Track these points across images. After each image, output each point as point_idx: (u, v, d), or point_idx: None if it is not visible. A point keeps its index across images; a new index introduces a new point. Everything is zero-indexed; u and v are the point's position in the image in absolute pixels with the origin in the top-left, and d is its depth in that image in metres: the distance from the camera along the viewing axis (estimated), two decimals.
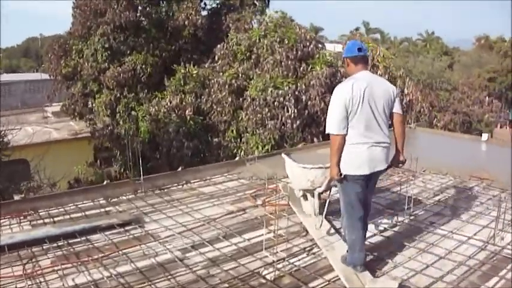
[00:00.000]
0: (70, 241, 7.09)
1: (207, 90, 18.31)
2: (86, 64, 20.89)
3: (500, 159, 12.16)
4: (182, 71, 18.86)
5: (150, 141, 18.74)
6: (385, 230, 7.41)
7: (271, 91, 16.17)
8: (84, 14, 21.06)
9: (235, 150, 17.10)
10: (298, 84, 16.49)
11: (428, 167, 10.56)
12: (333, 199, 7.48)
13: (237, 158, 13.55)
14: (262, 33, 18.32)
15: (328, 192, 7.28)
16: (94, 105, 21.06)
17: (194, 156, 17.65)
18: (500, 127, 37.57)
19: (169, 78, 19.33)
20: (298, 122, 15.93)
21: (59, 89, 23.57)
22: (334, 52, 19.80)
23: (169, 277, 5.99)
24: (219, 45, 19.17)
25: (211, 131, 18.06)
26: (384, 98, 5.84)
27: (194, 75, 18.72)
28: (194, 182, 10.35)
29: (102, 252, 6.72)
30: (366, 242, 6.45)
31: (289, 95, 16.08)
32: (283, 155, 7.98)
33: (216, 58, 19.13)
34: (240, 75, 17.58)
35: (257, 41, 18.19)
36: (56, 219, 8.22)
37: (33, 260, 6.54)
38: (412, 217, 7.91)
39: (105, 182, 9.89)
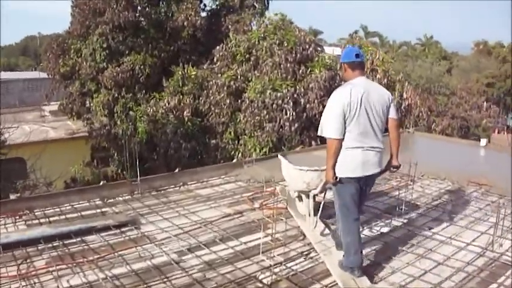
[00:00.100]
0: (65, 242, 7.04)
1: (205, 91, 18.26)
2: (84, 63, 20.83)
3: (498, 164, 12.16)
4: (180, 72, 18.79)
5: (147, 142, 18.69)
6: (383, 235, 7.36)
7: (269, 93, 16.13)
8: (83, 14, 20.99)
9: (232, 152, 17.06)
10: (297, 87, 16.45)
11: (426, 172, 10.52)
12: (327, 201, 7.43)
13: (234, 160, 13.47)
14: (262, 35, 18.28)
15: (323, 194, 7.25)
16: (92, 104, 21.01)
17: (192, 157, 17.61)
18: (498, 132, 37.64)
19: (167, 79, 19.27)
20: (296, 125, 15.90)
21: (57, 88, 23.50)
22: (333, 55, 19.75)
23: (165, 280, 5.93)
24: (218, 47, 19.12)
25: (209, 133, 18.01)
26: (380, 103, 5.96)
27: (193, 76, 18.66)
28: (191, 184, 10.31)
29: (98, 254, 6.66)
30: (363, 247, 6.40)
31: (288, 97, 16.03)
32: (279, 156, 8.02)
33: (215, 59, 19.08)
34: (239, 77, 17.54)
35: (256, 43, 18.15)
36: (51, 219, 8.17)
37: (28, 260, 6.49)
38: (410, 222, 7.87)
39: (101, 183, 9.85)
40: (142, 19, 21.27)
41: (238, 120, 17.17)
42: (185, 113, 17.70)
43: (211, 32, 22.17)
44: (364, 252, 6.26)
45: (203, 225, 7.77)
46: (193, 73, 18.78)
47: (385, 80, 17.90)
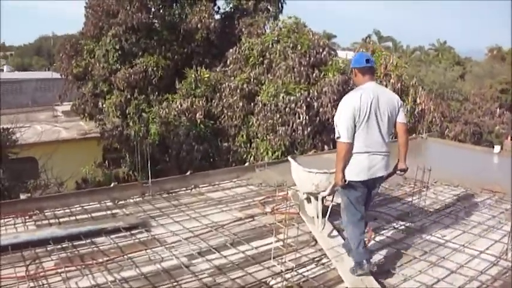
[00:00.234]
0: (75, 243, 7.02)
1: (218, 94, 18.23)
2: (97, 64, 20.84)
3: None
4: (193, 74, 18.76)
5: (159, 144, 18.65)
6: (396, 241, 7.28)
7: (282, 97, 16.09)
8: (96, 15, 21.01)
9: (245, 156, 17.00)
10: (311, 91, 16.41)
11: (439, 178, 10.43)
12: (336, 205, 7.39)
13: (246, 164, 13.41)
14: (275, 38, 18.26)
15: (331, 197, 7.28)
16: (104, 105, 21.01)
17: (204, 160, 17.57)
18: (511, 139, 37.36)
19: (180, 81, 19.24)
20: (309, 129, 15.84)
21: (70, 88, 23.55)
22: (346, 59, 19.67)
23: (174, 284, 5.89)
24: (231, 50, 19.11)
25: (222, 136, 17.97)
26: (389, 108, 6.13)
27: (205, 78, 18.63)
28: (203, 187, 10.27)
29: (107, 256, 6.63)
30: (376, 254, 6.56)
31: (301, 101, 15.99)
32: (289, 158, 8.16)
33: (228, 62, 19.07)
34: (252, 80, 17.50)
35: (270, 46, 18.13)
36: (61, 220, 8.16)
37: (37, 261, 6.47)
38: (423, 229, 7.78)
39: (112, 184, 9.81)
40: (156, 21, 21.25)
41: (250, 123, 17.14)
42: (198, 115, 17.66)
43: (225, 35, 22.14)
44: (376, 259, 6.30)
45: (214, 229, 7.72)
46: (206, 75, 18.74)
47: (399, 85, 17.80)
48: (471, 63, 61.60)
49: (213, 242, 7.18)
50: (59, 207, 8.69)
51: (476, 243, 7.25)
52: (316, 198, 7.45)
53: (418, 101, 18.66)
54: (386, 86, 16.20)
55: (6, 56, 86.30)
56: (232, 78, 18.15)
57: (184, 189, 10.06)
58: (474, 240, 7.37)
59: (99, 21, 20.93)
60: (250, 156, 16.73)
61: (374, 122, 6.01)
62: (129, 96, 20.25)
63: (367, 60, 6.27)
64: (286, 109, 15.99)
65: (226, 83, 17.89)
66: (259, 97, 16.83)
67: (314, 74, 17.03)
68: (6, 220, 7.98)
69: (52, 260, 6.53)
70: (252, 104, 17.20)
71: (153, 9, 21.42)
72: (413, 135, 15.77)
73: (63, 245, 6.94)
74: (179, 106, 18.03)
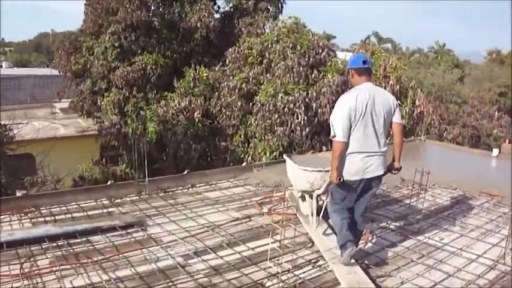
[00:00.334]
0: (70, 241, 6.99)
1: (216, 93, 18.19)
2: (96, 62, 20.80)
3: (510, 175, 11.98)
4: (192, 73, 18.72)
5: (157, 142, 18.61)
6: (393, 244, 7.25)
7: (281, 97, 16.05)
8: (96, 12, 20.98)
9: (242, 155, 16.96)
10: (309, 91, 16.36)
11: (437, 181, 10.37)
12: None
13: (244, 163, 13.36)
14: (275, 38, 18.22)
15: (326, 195, 7.22)
16: (102, 103, 20.96)
17: (201, 159, 17.53)
18: (509, 143, 37.35)
19: (179, 80, 19.20)
20: (307, 130, 15.80)
21: (68, 85, 23.51)
22: (345, 60, 19.63)
23: (170, 284, 5.84)
24: (230, 49, 19.05)
25: (219, 135, 17.93)
26: (385, 108, 6.22)
27: (204, 77, 18.59)
28: (200, 186, 10.25)
29: (103, 255, 6.59)
30: (373, 257, 6.61)
31: (300, 101, 15.93)
32: (285, 156, 8.26)
33: (227, 61, 19.02)
34: (251, 79, 17.46)
35: (269, 46, 18.09)
36: (57, 217, 8.14)
37: (31, 259, 6.43)
38: (420, 232, 7.74)
39: (109, 182, 9.81)
40: (155, 19, 21.24)
41: (249, 123, 17.09)
42: (196, 114, 17.61)
43: (224, 34, 22.12)
44: (373, 262, 6.36)
45: (210, 229, 7.69)
46: (205, 74, 18.70)
47: (398, 87, 17.76)
48: (470, 66, 61.67)
49: (209, 242, 7.14)
50: (55, 204, 8.68)
51: (474, 246, 7.21)
52: (311, 197, 7.51)
53: (416, 103, 18.62)
54: (385, 87, 16.18)
55: (5, 52, 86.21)
56: (231, 77, 18.11)
57: (181, 188, 10.02)
58: (472, 243, 7.33)
59: (98, 19, 20.90)
60: (248, 156, 16.68)
61: (370, 122, 6.11)
62: (127, 94, 20.21)
63: (364, 62, 6.36)
64: (285, 109, 15.94)
65: (225, 83, 17.86)
66: (258, 97, 16.79)
67: (313, 75, 17.00)
68: (2, 217, 7.96)
69: (47, 258, 6.48)
70: (251, 103, 17.16)
71: (152, 8, 21.43)
72: (412, 137, 15.78)
73: (59, 243, 6.90)
74: (177, 105, 17.98)
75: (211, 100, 18.23)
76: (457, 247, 7.16)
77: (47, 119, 27.83)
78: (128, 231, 7.48)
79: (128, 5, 19.86)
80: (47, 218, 8.05)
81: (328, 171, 6.38)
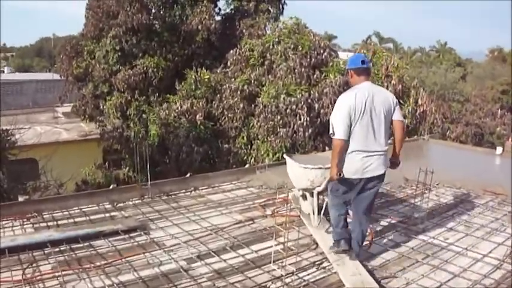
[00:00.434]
0: (72, 246, 6.94)
1: (218, 95, 18.18)
2: (97, 66, 20.82)
3: None
4: (194, 75, 18.69)
5: (159, 145, 18.59)
6: (398, 245, 7.21)
7: (283, 98, 16.02)
8: (97, 16, 20.99)
9: (245, 157, 16.93)
10: (311, 92, 16.33)
11: (441, 180, 10.33)
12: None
13: (247, 165, 13.33)
14: (276, 39, 18.19)
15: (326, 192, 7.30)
16: (105, 107, 20.97)
17: (204, 161, 17.50)
18: None
19: (180, 82, 19.18)
20: (310, 131, 15.76)
21: (70, 89, 23.55)
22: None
23: None
24: (231, 51, 19.04)
25: (222, 137, 17.90)
26: (384, 107, 6.28)
27: (206, 80, 18.57)
28: (202, 189, 10.20)
29: (105, 259, 6.54)
30: (378, 257, 6.61)
31: (302, 102, 15.91)
32: (285, 155, 8.41)
33: (229, 63, 19.01)
34: (253, 81, 17.44)
35: (270, 47, 18.07)
36: (59, 222, 8.10)
37: (34, 264, 6.39)
38: (425, 232, 7.70)
39: (111, 186, 9.79)
40: (156, 22, 21.25)
41: (251, 125, 17.07)
42: (198, 116, 17.60)
43: (226, 36, 22.12)
44: (378, 263, 6.33)
45: (213, 232, 7.64)
46: (207, 77, 18.69)
47: (400, 86, 17.71)
48: (472, 65, 61.59)
49: (213, 245, 7.10)
50: (58, 209, 8.64)
51: (479, 246, 7.16)
52: (312, 195, 7.57)
53: (419, 102, 18.56)
54: (387, 87, 16.14)
55: (6, 57, 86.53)
56: (233, 79, 18.10)
57: (184, 191, 9.98)
58: (477, 243, 7.28)
59: (99, 22, 20.92)
60: (251, 158, 16.66)
61: (369, 121, 6.17)
62: (129, 97, 20.22)
63: (363, 62, 6.45)
64: (287, 110, 15.91)
65: (227, 84, 17.84)
66: (260, 98, 16.77)
67: (315, 75, 16.97)
68: (4, 222, 7.92)
69: (49, 263, 6.44)
70: (253, 105, 17.14)
71: (153, 10, 21.48)
72: (415, 136, 15.72)
73: (61, 248, 6.86)
74: (179, 107, 17.97)
75: (213, 102, 18.22)
76: (462, 247, 7.11)
77: (49, 124, 27.84)
78: (131, 235, 7.43)
79: (128, 8, 19.86)
80: (50, 223, 8.01)
81: (328, 168, 6.46)
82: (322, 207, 7.37)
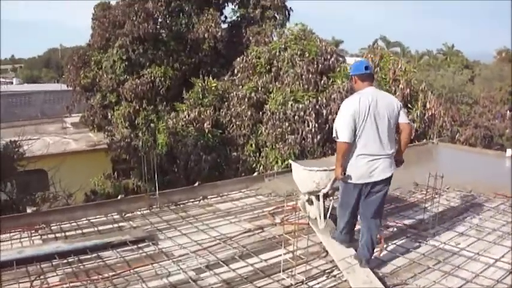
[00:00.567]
0: (81, 257, 6.92)
1: (226, 103, 18.15)
2: (105, 76, 20.89)
3: None
4: (201, 83, 18.67)
5: (167, 154, 18.57)
6: (408, 251, 7.14)
7: (291, 105, 15.97)
8: (103, 26, 21.08)
9: (254, 165, 16.87)
10: (319, 98, 16.27)
11: (452, 184, 10.26)
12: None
13: (255, 173, 13.29)
14: (283, 46, 18.16)
15: (332, 194, 7.55)
16: (113, 117, 21.00)
17: (212, 170, 17.44)
18: None
19: (188, 91, 19.16)
20: (318, 137, 15.70)
21: (78, 100, 23.63)
22: None
23: None
24: (238, 58, 19.01)
25: (230, 145, 17.85)
26: (388, 111, 6.39)
27: (213, 88, 18.55)
28: (211, 198, 10.18)
29: (113, 271, 6.51)
30: (388, 264, 6.58)
31: (310, 109, 15.86)
32: (290, 161, 8.72)
33: (236, 71, 18.99)
34: (260, 88, 17.39)
35: (277, 53, 18.03)
36: (67, 233, 8.09)
37: (42, 276, 6.37)
38: (436, 237, 7.63)
39: (119, 197, 9.75)
40: (163, 31, 21.27)
41: (259, 132, 17.02)
42: (206, 124, 17.56)
43: (232, 44, 22.13)
44: (389, 270, 6.29)
45: (222, 242, 7.60)
46: (214, 85, 18.67)
47: (408, 90, 17.67)
48: (480, 67, 61.35)
49: (222, 255, 7.04)
50: (65, 220, 8.64)
51: (491, 250, 7.09)
52: (318, 198, 7.64)
53: (427, 105, 18.48)
54: (395, 91, 16.11)
55: (15, 69, 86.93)
56: (240, 87, 18.06)
57: (192, 200, 9.97)
58: (489, 247, 7.21)
59: (105, 33, 21.01)
60: (260, 166, 16.60)
61: (373, 125, 6.27)
62: (137, 107, 20.25)
63: (366, 67, 6.60)
64: (295, 117, 15.87)
65: (234, 92, 17.80)
66: (268, 105, 16.73)
67: (322, 81, 16.92)
68: (12, 234, 7.92)
69: (57, 275, 6.41)
70: (261, 112, 17.09)
71: (159, 19, 21.48)
72: (424, 140, 15.66)
73: (69, 260, 6.84)
74: (187, 116, 17.94)
75: (221, 110, 18.18)
76: (474, 252, 7.04)
77: (58, 134, 27.93)
78: (139, 246, 7.40)
79: (134, 18, 19.91)
80: (58, 234, 8.00)
81: (332, 170, 6.71)
82: (329, 210, 7.49)
